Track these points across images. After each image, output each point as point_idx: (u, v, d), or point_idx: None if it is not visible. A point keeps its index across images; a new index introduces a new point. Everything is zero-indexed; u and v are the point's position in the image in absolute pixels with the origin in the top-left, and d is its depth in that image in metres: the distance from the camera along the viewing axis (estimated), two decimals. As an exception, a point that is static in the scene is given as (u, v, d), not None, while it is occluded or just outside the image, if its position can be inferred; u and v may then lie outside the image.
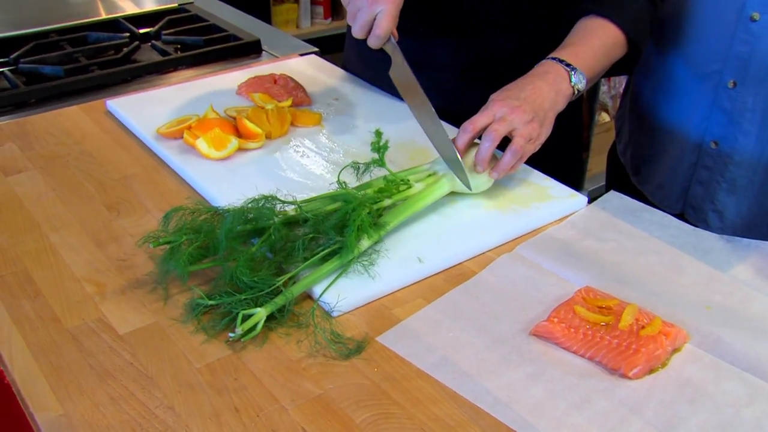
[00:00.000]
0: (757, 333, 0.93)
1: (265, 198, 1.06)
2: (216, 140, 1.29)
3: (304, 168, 1.27)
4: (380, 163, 1.15)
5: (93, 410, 0.83)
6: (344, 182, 1.12)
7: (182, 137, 1.32)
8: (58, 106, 1.52)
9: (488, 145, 1.14)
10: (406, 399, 0.85)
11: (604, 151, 1.83)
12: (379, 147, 1.14)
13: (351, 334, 0.94)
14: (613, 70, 1.36)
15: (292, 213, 1.05)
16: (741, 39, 1.36)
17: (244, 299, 0.92)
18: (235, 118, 1.37)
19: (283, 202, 1.07)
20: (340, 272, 1.00)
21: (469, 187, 1.15)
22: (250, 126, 1.33)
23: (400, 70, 1.20)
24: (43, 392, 0.85)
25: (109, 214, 1.17)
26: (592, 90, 2.86)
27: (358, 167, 1.19)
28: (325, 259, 1.01)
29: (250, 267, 0.96)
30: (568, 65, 1.22)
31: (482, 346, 0.92)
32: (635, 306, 0.94)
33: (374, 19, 1.16)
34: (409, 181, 1.13)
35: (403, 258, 1.05)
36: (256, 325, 0.92)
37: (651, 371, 0.88)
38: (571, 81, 1.21)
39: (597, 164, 2.12)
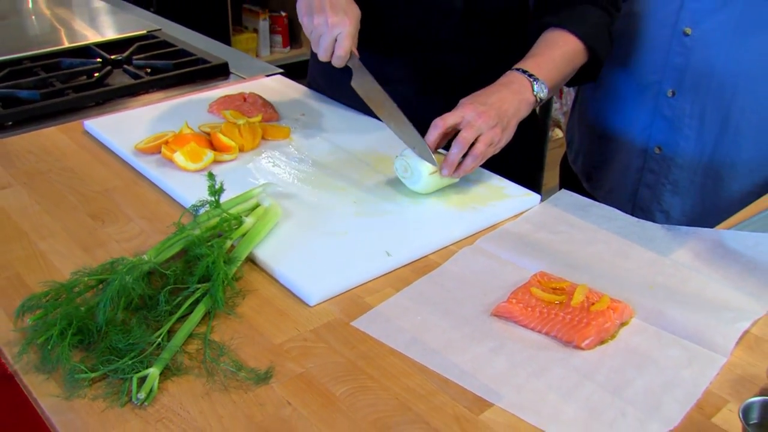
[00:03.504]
0: (695, 307, 1.03)
1: (113, 261, 1.06)
2: (192, 153, 1.36)
3: (275, 176, 1.35)
4: (216, 205, 1.17)
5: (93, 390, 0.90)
6: (182, 224, 1.13)
7: (160, 152, 1.40)
8: (36, 127, 1.57)
9: (457, 151, 1.24)
10: (381, 374, 0.93)
11: (558, 165, 1.92)
12: (215, 191, 1.17)
13: (328, 320, 1.02)
14: (578, 80, 1.47)
15: (146, 267, 1.05)
16: (676, 51, 1.48)
17: (131, 363, 0.92)
18: (209, 133, 1.45)
19: (131, 261, 1.05)
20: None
21: (434, 163, 1.25)
22: (224, 139, 1.41)
23: (361, 80, 1.33)
24: (44, 380, 0.92)
25: (94, 223, 1.23)
26: (545, 107, 2.98)
27: (196, 210, 1.19)
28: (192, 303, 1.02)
29: (123, 331, 0.96)
30: (530, 75, 1.33)
31: (448, 327, 1.01)
32: (585, 286, 1.03)
33: (335, 41, 1.30)
34: (240, 217, 1.17)
35: (372, 252, 1.14)
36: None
37: (601, 342, 0.97)
38: (533, 90, 1.32)
39: (551, 178, 2.21)
